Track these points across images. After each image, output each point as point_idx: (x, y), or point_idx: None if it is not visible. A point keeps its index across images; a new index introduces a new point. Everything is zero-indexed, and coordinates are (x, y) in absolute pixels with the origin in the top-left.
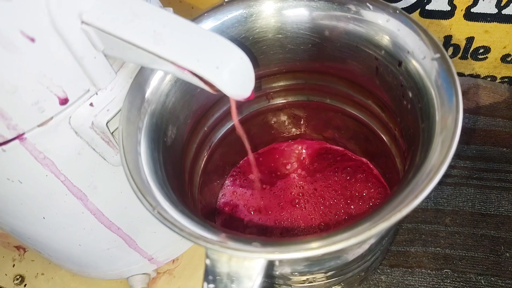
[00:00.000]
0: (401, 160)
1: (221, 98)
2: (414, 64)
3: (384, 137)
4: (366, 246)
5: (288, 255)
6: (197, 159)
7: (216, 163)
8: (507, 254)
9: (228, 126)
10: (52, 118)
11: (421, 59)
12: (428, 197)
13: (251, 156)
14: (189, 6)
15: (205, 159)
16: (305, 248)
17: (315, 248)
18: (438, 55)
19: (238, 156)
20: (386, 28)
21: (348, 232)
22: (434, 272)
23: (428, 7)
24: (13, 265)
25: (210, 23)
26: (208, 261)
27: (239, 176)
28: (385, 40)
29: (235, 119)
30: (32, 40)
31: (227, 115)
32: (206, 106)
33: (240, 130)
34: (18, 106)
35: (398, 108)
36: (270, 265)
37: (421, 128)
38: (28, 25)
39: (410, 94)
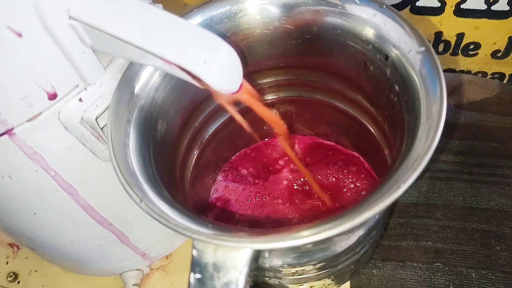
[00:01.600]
0: (390, 154)
1: (211, 93)
2: (400, 58)
3: (374, 131)
4: (354, 238)
5: (271, 244)
6: (188, 154)
7: (208, 159)
8: (498, 248)
9: (219, 121)
10: (41, 113)
11: (407, 53)
12: (419, 192)
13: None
14: (182, 3)
15: (196, 154)
16: (288, 238)
17: (300, 238)
18: (423, 48)
19: (230, 152)
20: (373, 22)
21: (331, 223)
22: (425, 265)
23: (418, 3)
24: (7, 262)
25: (198, 19)
26: (195, 252)
27: (231, 171)
28: (372, 34)
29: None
30: (20, 35)
31: (218, 110)
32: (197, 102)
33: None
34: (7, 101)
35: (386, 102)
36: (257, 255)
37: (406, 121)
38: (15, 20)
39: (397, 88)
